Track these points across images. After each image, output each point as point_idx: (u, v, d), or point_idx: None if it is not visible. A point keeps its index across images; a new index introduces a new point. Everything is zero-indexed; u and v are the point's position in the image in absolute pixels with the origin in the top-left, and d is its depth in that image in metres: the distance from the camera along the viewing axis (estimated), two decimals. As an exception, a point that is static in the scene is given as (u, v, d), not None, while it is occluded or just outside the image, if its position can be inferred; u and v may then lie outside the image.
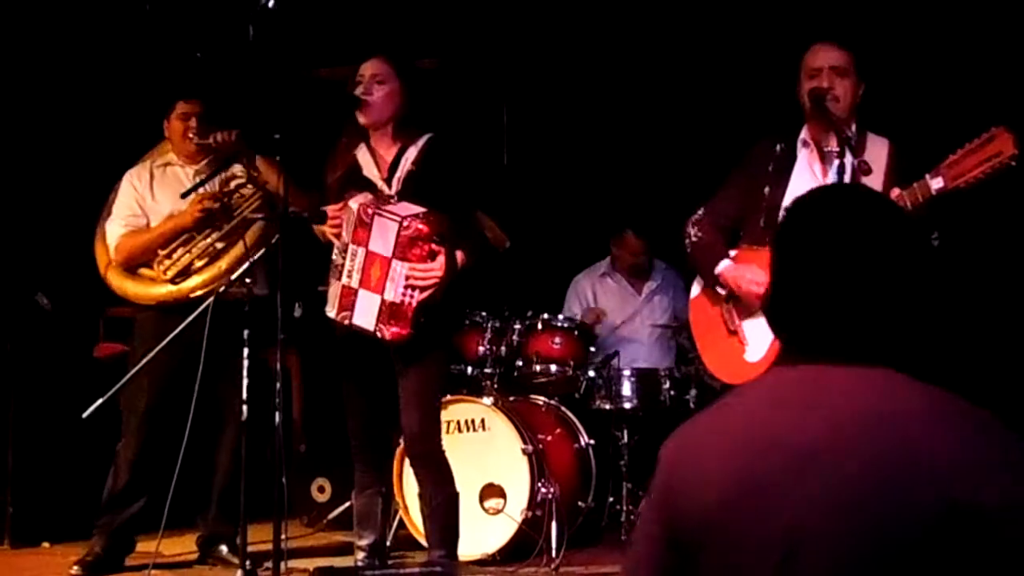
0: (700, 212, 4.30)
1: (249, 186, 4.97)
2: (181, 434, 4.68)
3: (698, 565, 1.66)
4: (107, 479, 5.02)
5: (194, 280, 4.95)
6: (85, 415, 4.57)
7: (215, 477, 5.01)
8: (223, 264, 4.94)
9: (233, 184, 4.99)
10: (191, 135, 5.02)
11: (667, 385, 5.75)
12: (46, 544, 5.54)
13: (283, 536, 4.15)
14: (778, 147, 4.17)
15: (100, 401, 4.48)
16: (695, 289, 4.36)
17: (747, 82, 6.16)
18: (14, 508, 5.56)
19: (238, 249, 4.91)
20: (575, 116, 6.85)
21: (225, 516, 5.04)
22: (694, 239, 4.27)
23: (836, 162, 3.92)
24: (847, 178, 3.89)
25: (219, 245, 4.97)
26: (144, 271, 5.02)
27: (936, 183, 3.77)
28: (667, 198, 6.41)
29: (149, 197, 5.07)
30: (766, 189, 4.13)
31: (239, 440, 4.70)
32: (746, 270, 4.11)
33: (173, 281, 4.96)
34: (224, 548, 5.07)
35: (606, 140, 6.86)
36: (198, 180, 4.97)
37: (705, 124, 6.48)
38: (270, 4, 5.40)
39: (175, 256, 4.97)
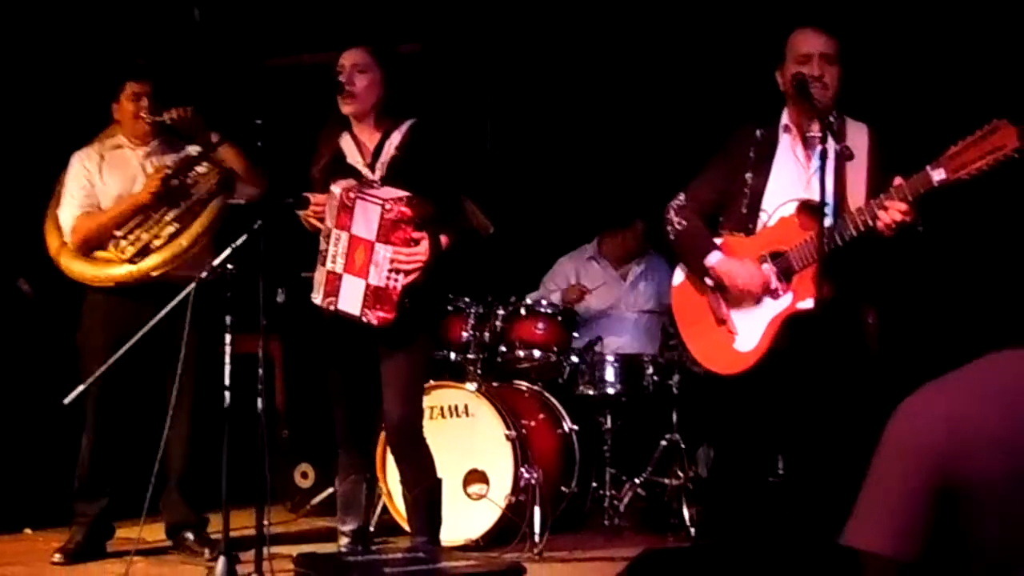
0: (681, 198, 4.27)
1: (205, 164, 4.93)
2: (147, 420, 4.73)
3: (972, 515, 1.92)
4: (76, 468, 5.01)
5: (153, 259, 4.89)
6: (66, 401, 4.55)
7: (170, 464, 4.91)
8: (182, 242, 4.89)
9: (183, 163, 4.95)
10: (143, 115, 4.95)
11: (650, 371, 5.77)
12: (28, 530, 5.53)
13: (266, 522, 4.14)
14: (758, 132, 4.16)
15: (82, 387, 4.46)
16: (678, 276, 4.32)
17: (729, 65, 6.15)
18: (-6, 495, 5.56)
19: (197, 227, 4.89)
20: (558, 101, 6.84)
21: (187, 503, 5.03)
22: (678, 227, 4.24)
23: (819, 148, 3.92)
24: (830, 164, 3.89)
25: (177, 224, 4.92)
26: (100, 253, 4.96)
27: (937, 175, 3.76)
28: (651, 183, 6.42)
29: (99, 180, 5.01)
30: (748, 175, 4.12)
31: (191, 423, 4.72)
32: (739, 266, 4.08)
33: (131, 261, 4.90)
34: (190, 536, 5.03)
35: (590, 125, 6.85)
36: (153, 163, 4.96)
37: (688, 108, 6.47)
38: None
39: (133, 235, 4.92)
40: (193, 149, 4.96)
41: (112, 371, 4.57)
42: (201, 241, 4.88)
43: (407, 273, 4.13)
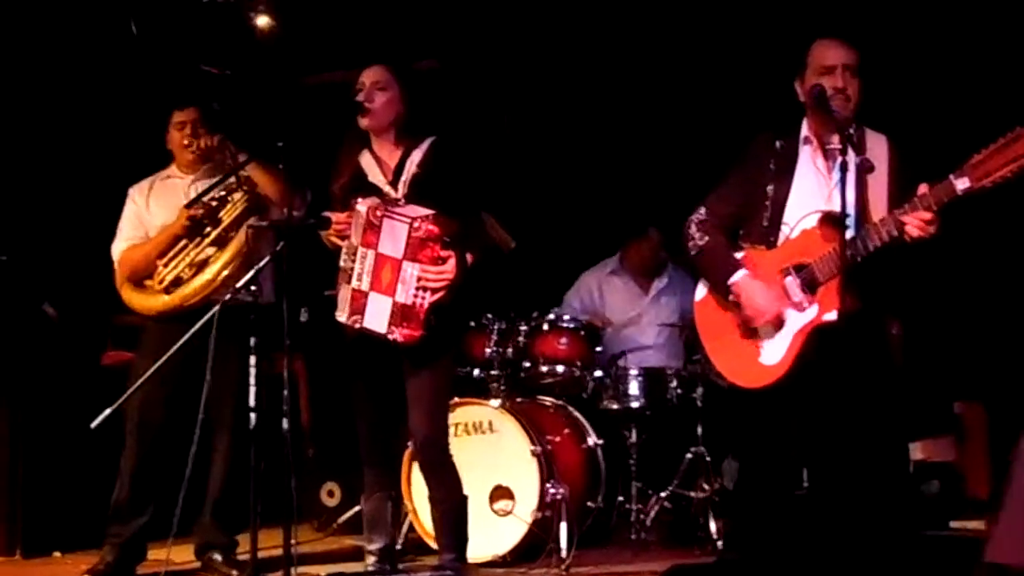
0: (702, 212, 4.25)
1: (239, 191, 4.97)
2: (187, 442, 4.71)
3: None
4: (114, 490, 5.04)
5: (185, 289, 4.94)
6: (94, 425, 4.56)
7: (208, 485, 4.97)
8: (213, 270, 4.94)
9: (222, 191, 4.99)
10: (186, 143, 5.04)
11: (674, 384, 5.76)
12: (57, 553, 5.55)
13: (293, 541, 4.15)
14: (778, 143, 4.14)
15: (109, 411, 4.47)
16: (701, 291, 4.30)
17: (744, 76, 6.16)
18: (25, 518, 5.57)
19: (227, 255, 4.93)
20: (576, 115, 6.85)
21: (219, 524, 5.05)
22: (700, 243, 4.22)
23: (839, 159, 3.91)
24: (851, 176, 3.88)
25: (209, 252, 4.96)
26: (147, 282, 5.04)
27: (961, 183, 3.76)
28: (674, 194, 6.42)
29: (145, 210, 5.09)
30: (769, 187, 4.11)
31: (232, 447, 4.74)
32: (759, 290, 4.06)
33: (167, 291, 4.96)
34: (218, 557, 5.04)
35: (609, 139, 6.86)
36: (197, 190, 4.98)
37: (709, 122, 6.48)
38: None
39: (170, 265, 4.98)
40: (238, 177, 5.00)
41: (152, 394, 4.62)
42: (231, 267, 4.90)
43: (435, 291, 4.15)
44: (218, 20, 6.03)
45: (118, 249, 5.08)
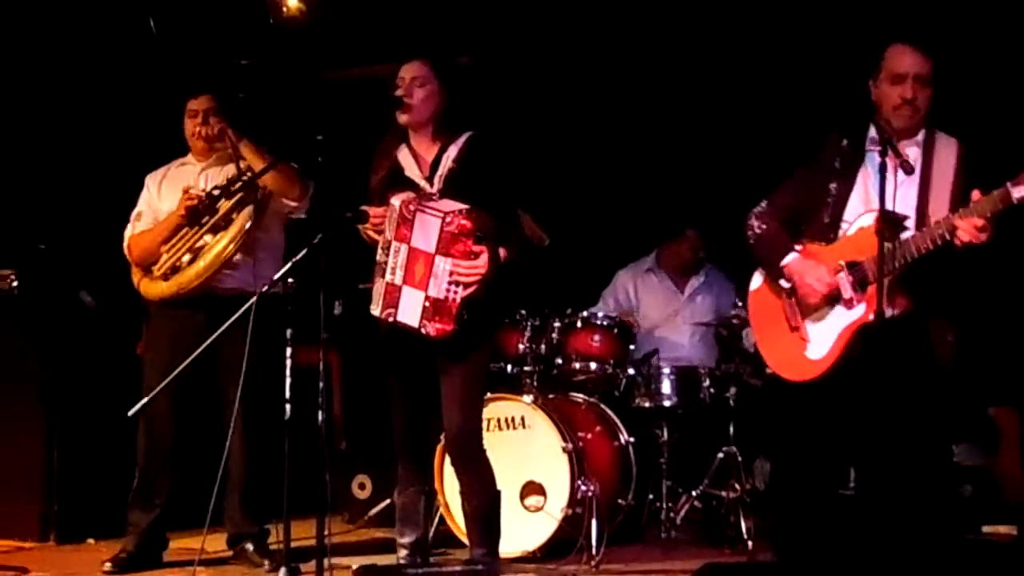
0: (763, 204, 4.28)
1: (239, 181, 4.98)
2: (199, 432, 4.78)
3: None
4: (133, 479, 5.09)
5: (182, 277, 4.99)
6: (131, 413, 4.61)
7: (231, 476, 4.94)
8: (208, 258, 4.97)
9: (224, 180, 5.03)
10: (196, 131, 5.09)
11: (707, 383, 5.75)
12: (91, 540, 5.61)
13: (326, 532, 4.17)
14: (844, 142, 4.15)
15: (146, 399, 4.52)
16: (756, 281, 4.33)
17: (789, 80, 6.14)
18: (60, 505, 5.64)
19: (223, 242, 4.97)
20: (613, 111, 6.84)
21: (249, 514, 5.07)
22: (757, 231, 4.24)
23: (877, 160, 3.90)
24: (889, 177, 3.87)
25: (206, 239, 5.00)
26: (153, 268, 5.08)
27: (1017, 192, 3.74)
28: (710, 194, 6.42)
29: (156, 197, 5.15)
30: (832, 185, 4.11)
31: (246, 435, 4.75)
32: (812, 266, 4.09)
33: (165, 277, 5.01)
34: (250, 547, 5.07)
35: (645, 135, 6.85)
36: (207, 177, 5.07)
37: (743, 118, 6.46)
38: None
39: (169, 253, 5.02)
40: (231, 167, 5.04)
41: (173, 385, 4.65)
42: (226, 255, 4.95)
43: (467, 286, 4.15)
44: (244, 11, 6.06)
45: (127, 235, 5.17)
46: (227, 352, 4.59)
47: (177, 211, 5.00)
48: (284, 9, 5.99)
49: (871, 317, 3.95)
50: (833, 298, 4.07)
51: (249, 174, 4.95)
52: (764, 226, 4.23)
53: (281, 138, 5.11)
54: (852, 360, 4.00)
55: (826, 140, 4.20)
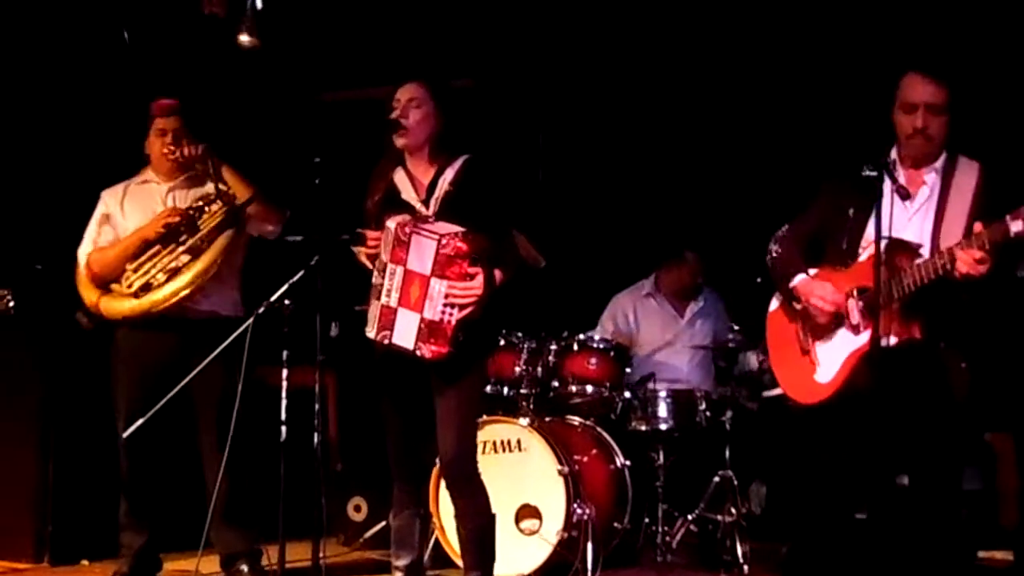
0: (784, 229, 4.34)
1: (217, 202, 5.00)
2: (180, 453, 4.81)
3: None
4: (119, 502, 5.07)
5: (155, 295, 4.94)
6: (125, 435, 4.62)
7: (214, 497, 4.84)
8: (185, 279, 4.95)
9: (200, 200, 5.03)
10: (166, 151, 5.06)
11: (703, 406, 5.75)
12: (85, 562, 5.59)
13: (321, 554, 4.16)
14: (867, 170, 4.15)
15: (140, 421, 4.53)
16: (773, 304, 4.38)
17: (786, 104, 6.15)
18: (54, 526, 5.62)
19: (201, 264, 4.95)
20: (611, 134, 6.86)
21: (238, 533, 5.05)
22: (774, 255, 4.31)
23: (888, 187, 3.92)
24: (885, 203, 3.87)
25: (183, 259, 4.97)
26: (114, 286, 5.02)
27: (1016, 226, 3.74)
28: (707, 218, 6.42)
29: (119, 214, 5.10)
30: (851, 211, 4.13)
31: (221, 454, 4.66)
32: (819, 286, 4.13)
33: (136, 295, 4.96)
34: (244, 568, 5.05)
35: (643, 158, 6.86)
36: (175, 198, 5.07)
37: (743, 145, 6.48)
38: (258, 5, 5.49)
39: (141, 270, 4.97)
40: (209, 187, 5.04)
41: (140, 407, 4.67)
42: (203, 277, 4.94)
43: (461, 307, 4.15)
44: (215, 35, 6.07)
45: (84, 251, 5.09)
46: (203, 375, 4.59)
47: (154, 227, 4.96)
48: (240, 48, 5.99)
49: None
50: (841, 322, 4.08)
51: (228, 197, 4.96)
52: (781, 250, 4.29)
53: (277, 159, 5.13)
54: (857, 385, 4.01)
55: (847, 167, 4.20)
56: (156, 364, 4.85)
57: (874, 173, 4.05)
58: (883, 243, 3.97)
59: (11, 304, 4.88)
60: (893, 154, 4.15)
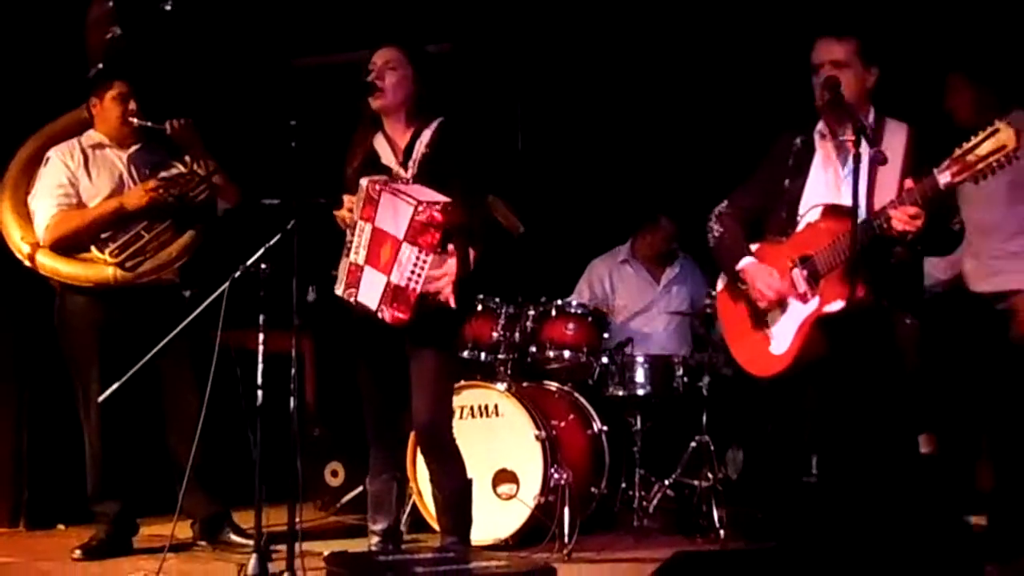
0: (723, 205, 4.34)
1: (196, 176, 5.00)
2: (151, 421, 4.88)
3: None
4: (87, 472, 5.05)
5: (146, 265, 4.95)
6: (100, 399, 4.60)
7: (182, 461, 4.73)
8: (172, 251, 4.97)
9: (184, 174, 5.03)
10: (132, 119, 5.01)
11: (680, 372, 5.77)
12: (61, 526, 5.58)
13: (297, 519, 4.16)
14: (798, 140, 4.18)
15: (116, 385, 4.50)
16: (721, 283, 4.39)
17: (762, 70, 6.14)
18: (29, 491, 5.61)
19: (186, 238, 4.99)
20: (589, 101, 6.84)
21: (213, 495, 5.05)
22: (716, 234, 4.32)
23: (852, 152, 3.91)
24: (863, 168, 3.88)
25: (169, 233, 4.99)
26: (83, 253, 4.97)
27: (943, 178, 3.78)
28: (683, 184, 6.42)
29: (85, 179, 5.03)
30: (786, 182, 4.15)
31: (195, 425, 4.53)
32: (764, 273, 4.14)
33: (121, 264, 4.93)
34: (229, 531, 5.06)
35: (620, 125, 6.84)
36: (137, 166, 5.06)
37: (716, 109, 6.47)
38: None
39: (124, 239, 4.94)
40: (181, 162, 5.05)
41: (104, 375, 4.67)
42: (189, 252, 4.97)
43: (437, 291, 4.14)
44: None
45: (46, 212, 4.97)
46: (172, 341, 4.57)
47: (135, 198, 4.94)
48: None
49: (824, 310, 4.00)
50: (787, 294, 4.10)
51: (202, 173, 4.99)
52: (722, 228, 4.30)
53: (255, 124, 5.09)
54: (811, 352, 4.04)
55: (780, 138, 4.24)
56: (110, 329, 4.88)
57: (799, 142, 4.12)
58: (819, 210, 4.03)
59: (-16, 270, 4.83)
60: (821, 124, 4.15)
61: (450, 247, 4.16)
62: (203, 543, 5.10)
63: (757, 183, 4.29)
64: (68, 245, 4.96)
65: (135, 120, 5.01)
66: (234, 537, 5.05)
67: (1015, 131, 3.69)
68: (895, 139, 4.03)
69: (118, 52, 5.35)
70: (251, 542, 4.79)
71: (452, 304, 4.16)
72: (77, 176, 5.02)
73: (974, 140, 3.74)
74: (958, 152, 3.76)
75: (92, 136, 5.10)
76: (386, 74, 4.31)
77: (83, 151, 5.07)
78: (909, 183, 3.86)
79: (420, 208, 4.10)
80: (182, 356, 4.81)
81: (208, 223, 5.09)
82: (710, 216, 4.34)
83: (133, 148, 5.10)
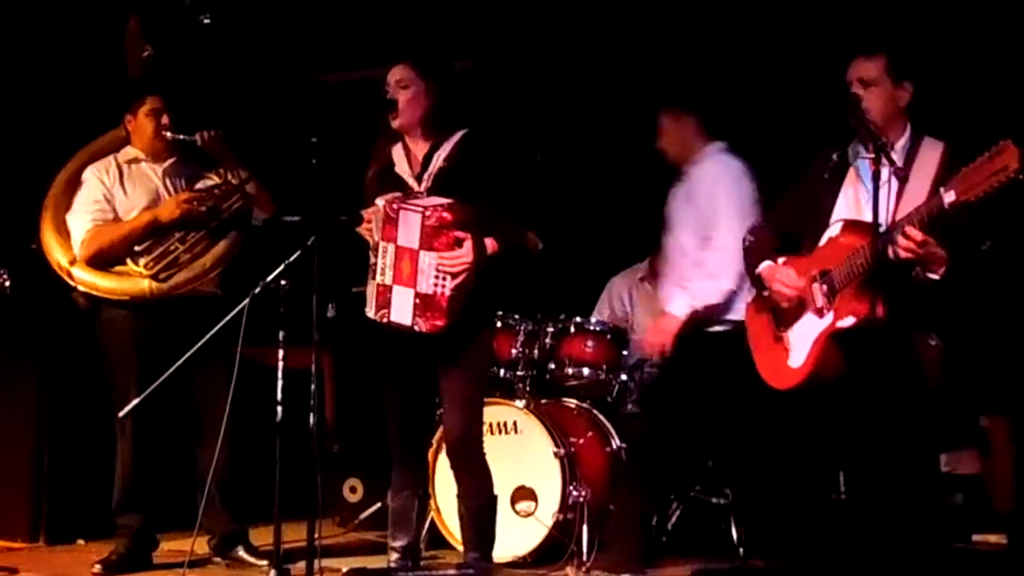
0: (760, 218, 4.43)
1: (230, 187, 5.02)
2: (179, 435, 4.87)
3: None
4: (114, 484, 5.07)
5: (179, 277, 4.97)
6: (122, 414, 4.62)
7: (210, 479, 4.81)
8: (206, 262, 5.00)
9: (218, 187, 5.05)
10: (165, 132, 5.05)
11: (699, 390, 5.74)
12: (81, 541, 5.60)
13: (316, 535, 4.16)
14: (835, 156, 4.17)
15: (137, 400, 4.53)
16: (751, 295, 4.44)
17: (786, 87, 6.13)
18: (50, 505, 5.63)
19: (220, 248, 5.02)
20: (609, 117, 6.84)
21: (233, 514, 5.05)
22: (747, 244, 4.36)
23: (871, 169, 3.91)
24: (883, 186, 3.88)
25: (204, 243, 5.01)
26: (124, 267, 5.01)
27: (948, 197, 3.75)
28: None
29: (120, 193, 5.08)
30: (822, 198, 4.17)
31: (227, 438, 4.63)
32: (782, 271, 4.16)
33: (155, 276, 4.96)
34: (241, 550, 5.06)
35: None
36: (173, 180, 5.10)
37: (741, 129, 6.45)
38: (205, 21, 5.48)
39: (158, 252, 4.98)
40: (215, 174, 5.08)
41: (142, 387, 4.66)
42: (224, 262, 4.98)
43: (453, 276, 4.13)
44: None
45: (82, 227, 5.04)
46: (199, 353, 4.59)
47: (168, 211, 4.97)
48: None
49: (838, 325, 4.01)
50: (806, 307, 4.11)
51: (235, 183, 5.00)
52: (753, 239, 4.34)
53: (276, 140, 5.12)
54: (826, 368, 4.05)
55: (819, 153, 4.24)
56: (150, 343, 4.87)
57: (835, 158, 4.12)
58: (840, 225, 4.04)
59: (7, 284, 4.86)
60: (856, 141, 4.15)
61: (463, 234, 4.14)
62: (218, 559, 5.11)
63: (793, 197, 4.31)
64: (104, 259, 5.01)
65: (168, 134, 5.05)
66: (245, 555, 5.05)
67: (1017, 152, 3.62)
68: (929, 157, 4.02)
69: (153, 68, 5.41)
70: (263, 563, 4.87)
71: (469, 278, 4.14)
72: (112, 192, 5.08)
73: (980, 159, 3.70)
74: (964, 171, 3.73)
75: (128, 152, 5.16)
76: (399, 92, 4.34)
77: (119, 166, 5.12)
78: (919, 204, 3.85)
79: (428, 213, 4.12)
80: (216, 367, 4.79)
81: (245, 233, 5.10)
82: (748, 229, 4.41)
83: (168, 162, 5.14)
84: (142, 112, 5.10)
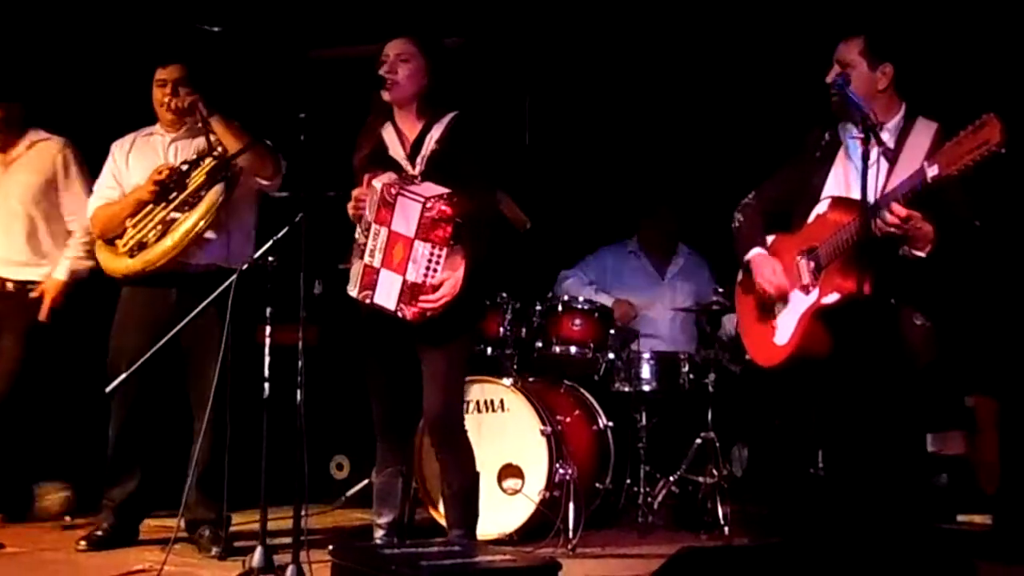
0: (749, 197, 4.39)
1: (208, 157, 4.93)
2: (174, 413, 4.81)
3: None
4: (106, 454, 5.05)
5: (148, 254, 4.90)
6: (108, 390, 4.60)
7: (195, 459, 4.76)
8: (177, 235, 4.89)
9: (195, 155, 4.98)
10: (164, 102, 5.00)
11: (686, 368, 5.77)
12: (67, 518, 5.59)
13: (303, 512, 4.15)
14: (827, 135, 4.20)
15: (123, 376, 4.50)
16: (740, 274, 4.43)
17: (771, 64, 6.13)
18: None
19: (192, 219, 4.88)
20: (597, 96, 6.84)
21: (208, 499, 4.91)
22: (737, 224, 4.36)
23: (860, 149, 3.92)
24: (872, 165, 3.88)
25: (174, 215, 4.90)
26: (117, 243, 5.00)
27: (932, 171, 3.77)
28: (690, 180, 6.42)
29: (124, 167, 5.06)
30: (813, 177, 4.19)
31: (218, 419, 4.53)
32: (767, 267, 4.19)
33: (131, 254, 4.93)
34: (207, 533, 4.91)
35: (629, 120, 6.84)
36: (177, 149, 5.02)
37: (729, 107, 6.46)
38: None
39: (135, 229, 4.93)
40: (201, 141, 4.98)
41: (128, 364, 4.58)
42: (193, 233, 4.86)
43: (435, 302, 4.14)
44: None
45: (91, 205, 5.07)
46: (198, 329, 4.55)
47: (146, 187, 4.90)
48: None
49: (823, 301, 4.04)
50: (792, 285, 4.14)
51: (220, 150, 4.90)
52: (743, 218, 4.35)
53: (265, 116, 5.08)
54: (810, 345, 4.08)
55: (811, 132, 4.27)
56: (157, 321, 4.80)
57: (827, 137, 4.15)
58: (827, 202, 4.06)
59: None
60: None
61: (458, 259, 4.14)
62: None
63: (783, 175, 4.33)
64: (111, 236, 5.00)
65: (168, 103, 4.98)
66: (202, 540, 4.91)
67: (1000, 125, 3.62)
68: (921, 137, 4.04)
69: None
70: (213, 550, 4.80)
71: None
72: (120, 167, 5.06)
73: (962, 133, 3.71)
74: (947, 145, 3.75)
75: (154, 125, 5.13)
76: (399, 66, 4.31)
77: (133, 141, 5.10)
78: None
79: (428, 204, 4.10)
80: (210, 344, 4.60)
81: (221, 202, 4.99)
82: (737, 206, 4.39)
83: (179, 132, 5.08)
84: (154, 83, 5.06)
